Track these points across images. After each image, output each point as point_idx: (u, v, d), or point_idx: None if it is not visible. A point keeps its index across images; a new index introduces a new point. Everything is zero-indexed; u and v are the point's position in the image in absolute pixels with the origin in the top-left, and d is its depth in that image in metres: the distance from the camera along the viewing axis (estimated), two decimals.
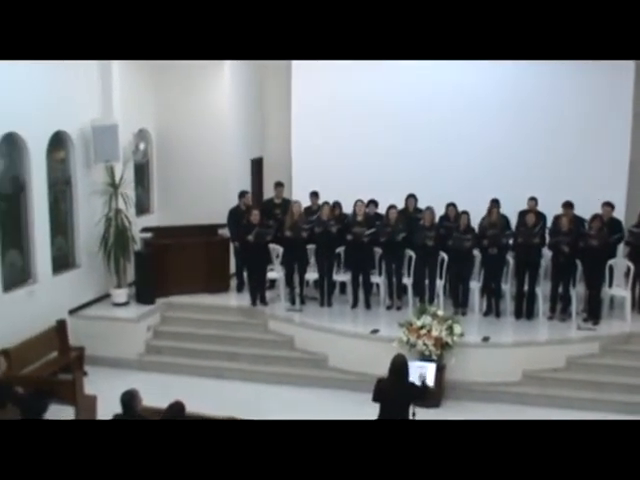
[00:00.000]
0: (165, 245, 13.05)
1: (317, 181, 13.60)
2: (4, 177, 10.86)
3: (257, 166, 15.90)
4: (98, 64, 12.50)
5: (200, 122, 14.26)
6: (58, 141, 11.99)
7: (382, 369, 7.93)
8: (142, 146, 13.87)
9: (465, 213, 12.12)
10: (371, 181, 13.57)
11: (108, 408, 8.13)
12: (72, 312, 12.20)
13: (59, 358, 11.47)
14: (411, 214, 12.85)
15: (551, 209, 12.24)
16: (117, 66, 12.78)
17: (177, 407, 7.42)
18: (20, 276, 11.27)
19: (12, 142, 10.90)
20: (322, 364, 11.48)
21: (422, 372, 8.54)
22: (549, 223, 12.24)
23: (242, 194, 13.42)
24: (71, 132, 12.14)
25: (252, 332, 12.20)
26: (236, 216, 13.01)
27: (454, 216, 12.50)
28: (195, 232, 13.35)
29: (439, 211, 12.63)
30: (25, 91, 10.85)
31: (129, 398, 7.44)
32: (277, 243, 12.59)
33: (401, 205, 12.83)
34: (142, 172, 14.52)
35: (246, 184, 14.93)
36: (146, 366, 11.93)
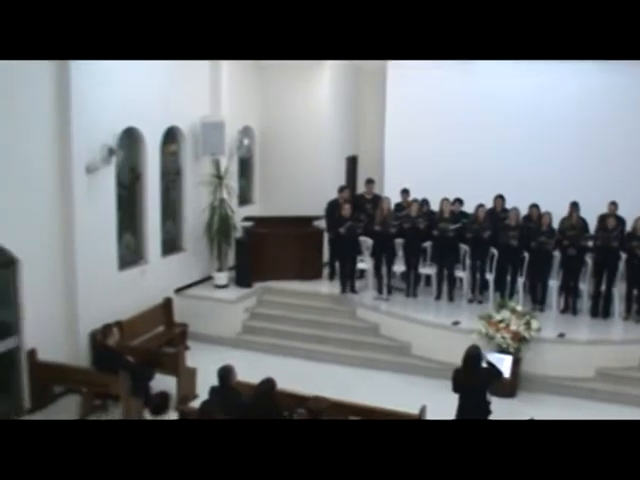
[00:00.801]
0: (264, 234, 13.60)
1: (407, 179, 13.86)
2: (123, 168, 11.58)
3: (352, 163, 16.27)
4: (209, 64, 13.20)
5: (300, 121, 14.73)
6: (171, 135, 12.74)
7: (461, 359, 8.13)
8: (246, 142, 14.44)
9: (547, 214, 12.15)
10: (458, 181, 13.73)
11: (206, 380, 8.80)
12: (178, 291, 12.99)
13: (165, 332, 12.29)
14: (498, 214, 12.97)
15: (630, 213, 12.06)
16: (226, 66, 13.41)
17: (268, 383, 7.87)
18: (134, 257, 12.08)
19: (131, 136, 11.68)
20: (405, 351, 11.73)
21: (492, 359, 8.54)
22: (628, 227, 12.07)
23: (341, 189, 13.84)
24: (183, 127, 12.86)
25: (341, 318, 12.56)
26: (333, 209, 13.41)
27: (536, 216, 12.53)
28: (292, 223, 13.85)
29: (522, 212, 12.70)
30: (145, 90, 11.60)
31: (225, 372, 8.00)
32: (367, 236, 12.89)
33: (489, 205, 12.96)
34: (245, 166, 15.13)
35: (341, 180, 15.35)
36: (241, 344, 12.51)
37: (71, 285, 10.42)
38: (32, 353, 9.86)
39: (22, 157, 9.47)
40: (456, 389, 7.94)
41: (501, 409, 8.58)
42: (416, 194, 13.39)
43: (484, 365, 8.03)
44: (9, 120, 9.16)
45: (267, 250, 13.40)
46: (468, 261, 12.62)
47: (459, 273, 12.80)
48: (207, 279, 13.64)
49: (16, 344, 9.77)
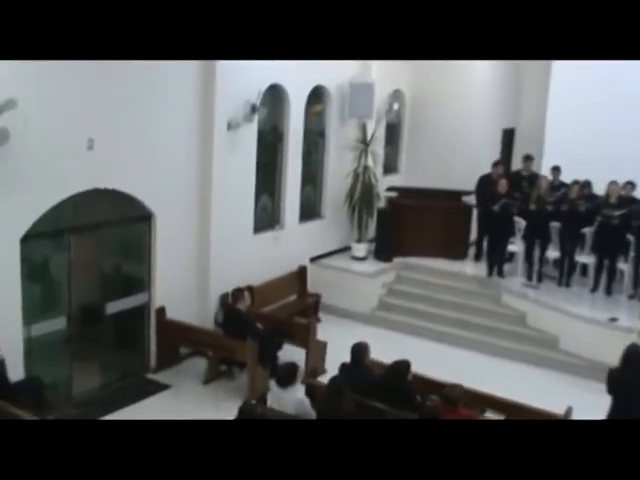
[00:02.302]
0: (408, 206, 13.32)
1: (568, 158, 13.01)
2: (265, 126, 11.52)
3: (508, 136, 15.71)
4: None
5: (455, 88, 14.28)
6: (317, 95, 12.59)
7: (617, 359, 7.65)
8: (395, 106, 14.18)
9: None
10: (626, 165, 12.69)
11: (336, 355, 8.76)
12: (313, 260, 12.93)
13: (297, 302, 12.28)
14: None
15: None
16: None
17: (403, 364, 7.67)
18: (269, 220, 12.08)
19: (276, 94, 11.59)
20: (552, 345, 11.24)
21: None
22: None
23: (496, 163, 13.40)
24: (330, 87, 12.67)
25: (484, 303, 12.22)
26: (486, 184, 12.98)
27: None
28: (439, 196, 13.50)
29: None
30: None
31: (359, 350, 7.90)
32: (521, 216, 12.37)
33: None
34: (392, 132, 14.86)
35: (495, 154, 14.82)
36: (376, 321, 12.37)
37: (204, 244, 10.50)
38: (161, 311, 10.01)
39: (163, 112, 9.55)
40: (612, 390, 7.43)
41: None
42: (576, 175, 12.53)
43: None
44: (151, 74, 9.20)
45: (410, 223, 13.14)
46: (632, 253, 11.79)
47: (621, 265, 11.99)
48: (345, 250, 13.54)
49: (146, 300, 9.96)
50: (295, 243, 12.44)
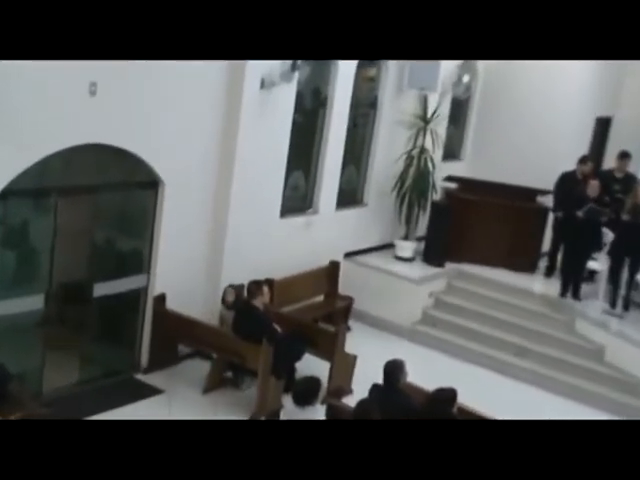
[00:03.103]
0: (469, 201, 13.26)
1: None
2: (305, 88, 11.46)
3: (602, 127, 15.64)
4: None
5: (538, 63, 13.92)
6: None
7: None
8: (466, 79, 14.08)
9: None
10: None
11: (366, 374, 8.70)
12: (348, 256, 12.84)
13: (324, 304, 12.21)
14: None
15: None
16: None
17: (449, 394, 7.54)
18: (300, 203, 12.05)
19: None
20: (636, 390, 11.10)
21: None
22: None
23: (583, 159, 13.29)
24: None
25: (553, 329, 12.09)
26: (568, 183, 12.85)
27: None
28: (508, 193, 13.40)
29: None
30: None
31: (394, 369, 7.80)
32: (609, 227, 12.21)
33: None
34: (459, 109, 14.83)
35: (583, 147, 14.70)
36: (417, 337, 12.30)
37: (220, 223, 10.46)
38: (160, 299, 9.96)
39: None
40: None
41: None
42: None
43: None
44: None
45: (471, 223, 13.10)
46: None
47: None
48: (387, 247, 13.45)
49: (144, 284, 9.91)
50: (329, 233, 12.33)
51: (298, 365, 9.81)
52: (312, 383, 7.41)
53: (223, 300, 10.24)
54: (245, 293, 10.16)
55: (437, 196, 13.59)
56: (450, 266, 13.15)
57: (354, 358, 10.19)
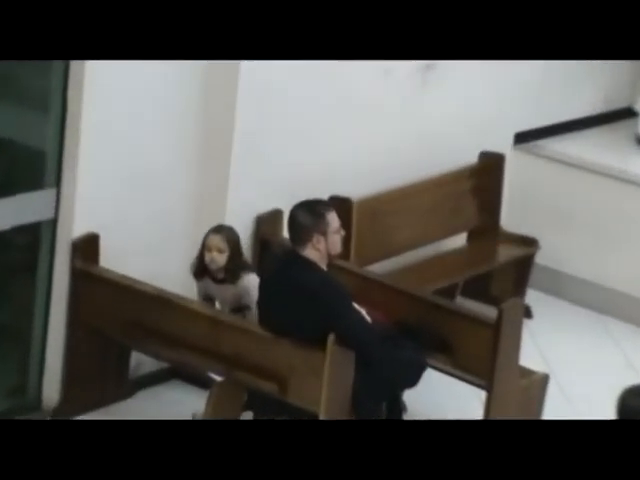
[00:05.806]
0: None
1: None
2: None
3: None
4: None
5: None
6: None
7: None
8: None
9: None
10: None
11: (572, 408, 6.42)
12: (521, 139, 8.12)
13: (470, 255, 7.71)
14: None
15: None
16: None
17: None
18: None
19: None
20: None
21: None
22: None
23: None
24: None
25: None
26: None
27: None
28: None
29: None
30: None
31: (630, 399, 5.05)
32: None
33: None
34: None
35: None
36: None
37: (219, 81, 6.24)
38: (87, 245, 5.68)
39: None
40: None
41: None
42: None
43: None
44: None
45: None
46: None
47: None
48: (616, 118, 8.42)
49: (50, 214, 5.91)
50: (474, 92, 7.19)
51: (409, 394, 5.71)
52: None
53: (200, 263, 5.65)
54: (284, 236, 5.89)
55: None
56: None
57: (543, 380, 5.84)
